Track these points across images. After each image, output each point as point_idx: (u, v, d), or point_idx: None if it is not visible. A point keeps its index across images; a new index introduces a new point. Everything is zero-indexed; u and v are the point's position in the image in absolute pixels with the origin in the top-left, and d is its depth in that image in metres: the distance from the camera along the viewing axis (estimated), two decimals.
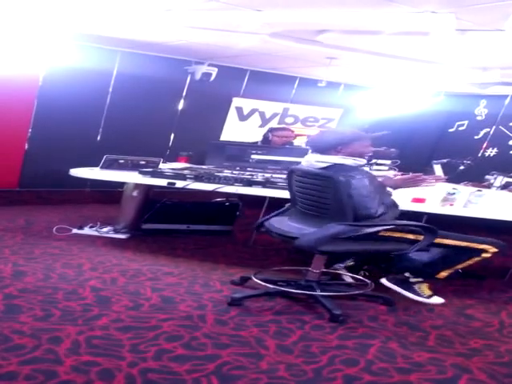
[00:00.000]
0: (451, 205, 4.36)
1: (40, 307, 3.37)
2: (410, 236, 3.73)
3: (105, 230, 5.47)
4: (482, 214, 4.30)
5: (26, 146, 6.85)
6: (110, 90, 7.06)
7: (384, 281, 4.09)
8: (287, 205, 4.11)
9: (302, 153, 6.06)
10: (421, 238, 3.68)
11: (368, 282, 4.24)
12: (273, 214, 4.11)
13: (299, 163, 4.02)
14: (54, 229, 5.42)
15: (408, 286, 4.03)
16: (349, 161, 3.64)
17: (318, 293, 3.77)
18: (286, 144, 6.71)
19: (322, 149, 3.72)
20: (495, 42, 4.59)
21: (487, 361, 3.03)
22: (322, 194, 3.62)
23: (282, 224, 3.87)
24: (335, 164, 3.63)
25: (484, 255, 3.88)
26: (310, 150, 3.94)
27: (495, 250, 3.87)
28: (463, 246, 3.86)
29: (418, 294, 4.00)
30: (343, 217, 3.54)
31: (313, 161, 3.73)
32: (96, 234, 5.41)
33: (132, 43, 6.18)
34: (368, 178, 3.60)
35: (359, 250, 3.81)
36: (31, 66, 6.10)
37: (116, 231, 5.48)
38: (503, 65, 5.86)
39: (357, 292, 3.98)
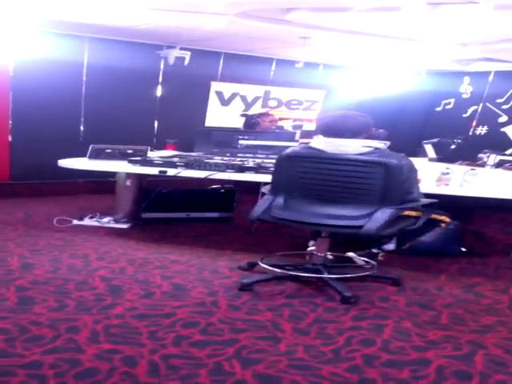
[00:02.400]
0: (446, 185, 4.39)
1: (53, 298, 3.37)
2: (413, 213, 3.79)
3: (105, 220, 5.46)
4: (479, 193, 4.34)
5: (10, 138, 6.81)
6: (84, 78, 7.05)
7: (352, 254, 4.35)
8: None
9: (290, 137, 6.10)
10: (420, 214, 3.79)
11: (374, 263, 4.29)
12: (265, 202, 3.81)
13: (289, 147, 3.95)
14: (55, 220, 5.40)
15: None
16: (381, 145, 3.62)
17: (327, 275, 3.80)
18: (273, 128, 6.75)
19: (350, 133, 3.61)
20: (471, 15, 4.54)
21: (501, 336, 3.07)
22: (364, 180, 3.48)
23: (301, 213, 3.67)
24: (376, 148, 3.51)
25: (442, 225, 3.95)
26: (319, 134, 3.86)
27: (448, 220, 3.93)
28: (432, 218, 3.94)
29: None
30: (389, 200, 3.50)
31: (342, 145, 3.53)
32: (97, 224, 5.40)
33: (99, 28, 6.16)
34: (410, 161, 3.62)
35: (395, 230, 3.80)
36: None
37: (116, 221, 5.47)
38: (483, 40, 5.86)
39: (365, 273, 4.01)
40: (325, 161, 3.55)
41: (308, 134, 6.26)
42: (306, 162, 3.62)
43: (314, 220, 3.64)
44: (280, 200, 3.73)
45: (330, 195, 3.59)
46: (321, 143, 3.62)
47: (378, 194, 3.49)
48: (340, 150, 3.52)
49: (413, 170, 3.60)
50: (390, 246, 4.54)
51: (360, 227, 3.49)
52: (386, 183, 3.46)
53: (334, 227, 3.66)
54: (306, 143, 3.92)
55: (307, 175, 3.63)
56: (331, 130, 3.69)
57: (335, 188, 3.56)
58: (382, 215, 3.48)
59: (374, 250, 4.48)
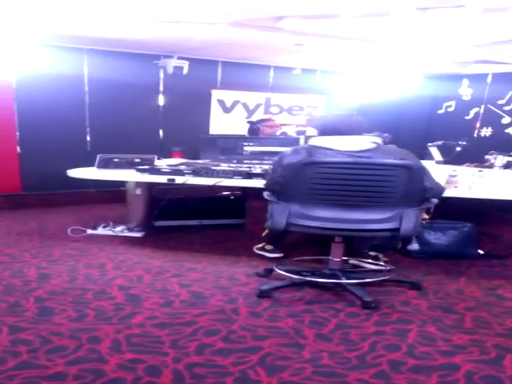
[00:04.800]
0: (455, 187, 4.36)
1: (72, 308, 3.35)
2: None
3: (119, 229, 5.44)
4: (489, 195, 4.31)
5: (19, 150, 6.81)
6: (87, 89, 7.06)
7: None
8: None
9: (293, 142, 6.08)
10: None
11: (391, 267, 4.26)
12: (283, 211, 3.62)
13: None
14: (69, 230, 5.38)
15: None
16: (379, 140, 3.62)
17: (345, 281, 3.77)
18: (275, 133, 6.75)
19: (354, 132, 3.60)
20: (460, 19, 4.49)
21: None
22: (388, 183, 3.44)
23: (328, 220, 3.56)
24: (378, 144, 3.55)
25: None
26: (316, 134, 3.80)
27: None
28: None
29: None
30: (412, 201, 3.51)
31: (351, 142, 3.52)
32: (111, 233, 5.38)
33: (97, 41, 6.19)
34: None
35: (419, 230, 3.77)
36: (2, 69, 6.13)
37: (130, 230, 5.45)
38: (475, 43, 5.83)
39: (384, 278, 3.98)
40: (348, 166, 3.46)
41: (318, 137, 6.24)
42: (327, 168, 3.48)
43: (344, 226, 3.56)
44: (296, 207, 3.59)
45: (352, 200, 3.52)
46: (330, 141, 3.55)
47: (401, 195, 3.47)
48: (350, 146, 3.50)
49: (426, 167, 3.62)
50: (415, 246, 4.52)
51: (397, 230, 3.48)
52: (409, 184, 3.44)
53: (367, 232, 3.61)
54: (307, 145, 3.78)
55: (327, 181, 3.49)
56: (335, 129, 3.63)
57: (358, 192, 3.49)
58: (410, 216, 3.48)
59: (372, 253, 4.49)
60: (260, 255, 4.70)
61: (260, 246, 4.78)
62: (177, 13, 4.57)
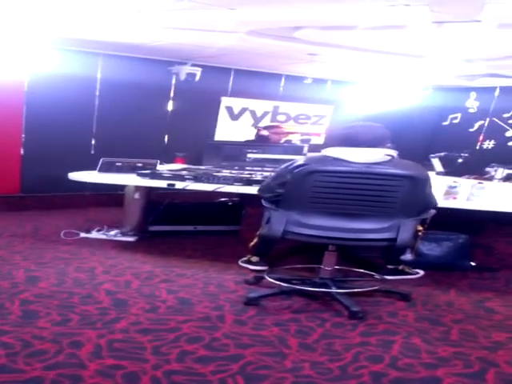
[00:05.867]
0: (454, 198, 4.35)
1: (57, 312, 3.33)
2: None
3: (112, 233, 5.43)
4: (487, 207, 4.28)
5: (22, 152, 6.83)
6: (97, 93, 7.10)
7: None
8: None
9: (298, 150, 6.07)
10: None
11: (382, 277, 4.23)
12: (280, 218, 3.60)
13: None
14: (62, 233, 5.38)
15: None
16: (394, 153, 3.57)
17: (334, 290, 3.74)
18: (282, 140, 6.73)
19: (373, 143, 3.53)
20: (474, 33, 4.54)
21: None
22: (389, 193, 3.44)
23: (325, 229, 3.54)
24: (393, 156, 3.50)
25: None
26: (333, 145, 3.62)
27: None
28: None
29: None
30: (411, 212, 3.52)
31: (367, 153, 3.46)
32: (104, 237, 5.37)
33: (112, 46, 6.22)
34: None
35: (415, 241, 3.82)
36: (15, 72, 6.16)
37: (123, 234, 5.45)
38: (487, 56, 5.87)
39: (373, 288, 3.95)
40: (350, 175, 3.42)
41: (316, 148, 6.21)
42: (328, 177, 3.46)
43: (340, 235, 3.55)
44: (294, 215, 3.56)
45: (352, 209, 3.50)
46: (347, 153, 3.46)
47: (401, 205, 3.47)
48: (367, 159, 3.44)
49: (429, 178, 3.62)
50: (408, 257, 4.50)
51: (394, 240, 3.49)
52: (412, 195, 3.46)
53: (364, 241, 3.62)
54: (321, 154, 3.66)
55: (329, 190, 3.47)
56: (353, 140, 3.53)
57: (358, 202, 3.47)
58: (408, 226, 3.50)
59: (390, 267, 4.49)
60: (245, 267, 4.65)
61: (245, 258, 4.72)
62: (195, 20, 4.58)
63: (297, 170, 3.50)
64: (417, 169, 3.55)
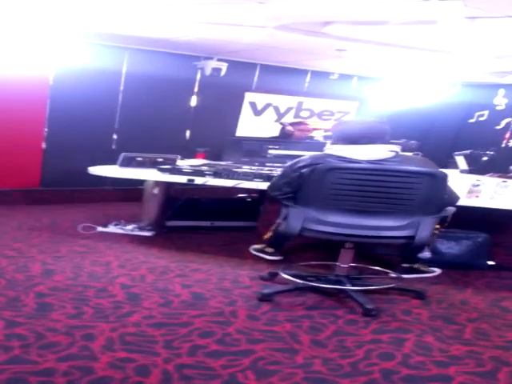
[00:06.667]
0: (477, 196, 4.30)
1: (71, 305, 3.36)
2: None
3: (129, 227, 5.46)
4: (509, 206, 4.23)
5: (44, 146, 6.88)
6: (122, 88, 7.11)
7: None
8: None
9: (320, 147, 6.04)
10: None
11: (399, 275, 4.21)
12: (298, 215, 3.57)
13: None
14: (79, 227, 5.42)
15: None
16: (398, 148, 3.57)
17: (349, 287, 3.73)
18: (306, 137, 6.69)
19: (382, 140, 3.53)
20: (507, 29, 4.49)
21: None
22: (409, 191, 3.41)
23: (343, 226, 3.51)
24: (397, 152, 3.51)
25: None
26: (340, 142, 3.66)
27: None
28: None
29: None
30: (431, 209, 3.50)
31: (372, 151, 3.47)
32: (121, 231, 5.40)
33: (140, 40, 6.21)
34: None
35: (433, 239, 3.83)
36: (41, 66, 6.15)
37: (141, 229, 5.47)
38: None
39: (388, 286, 3.93)
40: (366, 172, 3.41)
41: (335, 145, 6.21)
42: (350, 174, 3.42)
43: (358, 232, 3.52)
44: (312, 212, 3.53)
45: (370, 206, 3.46)
46: (348, 150, 3.48)
47: (420, 203, 3.45)
48: (370, 156, 3.45)
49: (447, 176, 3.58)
50: (426, 255, 4.46)
51: (412, 237, 3.48)
52: (431, 193, 3.44)
53: (382, 239, 3.60)
54: (323, 153, 3.67)
55: (349, 187, 3.43)
56: (359, 136, 3.54)
57: (377, 199, 3.43)
58: (427, 224, 3.48)
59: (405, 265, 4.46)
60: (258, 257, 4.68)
61: (258, 246, 4.74)
62: (225, 15, 4.58)
63: (305, 170, 3.49)
64: (427, 165, 3.53)
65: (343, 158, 3.47)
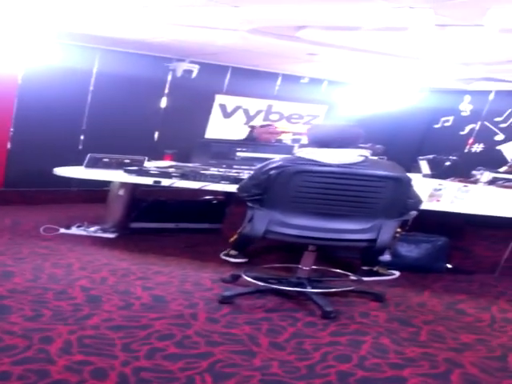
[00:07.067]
0: (438, 201, 4.38)
1: (30, 307, 3.34)
2: None
3: (92, 229, 5.43)
4: (469, 210, 4.31)
5: (9, 146, 6.81)
6: (91, 88, 7.07)
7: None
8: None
9: (288, 150, 6.08)
10: None
11: (359, 278, 4.26)
12: (263, 217, 3.59)
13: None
14: (42, 228, 5.37)
15: None
16: (368, 153, 3.60)
17: (309, 290, 3.77)
18: (274, 140, 6.72)
19: (353, 144, 3.56)
20: (475, 37, 4.58)
21: (479, 355, 3.05)
22: (373, 194, 3.45)
23: (306, 228, 3.55)
24: (366, 157, 3.54)
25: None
26: (313, 145, 3.65)
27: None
28: None
29: None
30: (392, 213, 3.56)
31: (342, 155, 3.48)
32: (84, 233, 5.37)
33: (112, 41, 6.19)
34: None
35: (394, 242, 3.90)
36: (10, 65, 6.10)
37: (104, 230, 5.44)
38: (486, 61, 5.91)
39: (348, 288, 3.98)
40: (335, 176, 3.43)
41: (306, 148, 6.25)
42: (317, 177, 3.44)
43: (321, 235, 3.56)
44: (277, 215, 3.56)
45: (335, 209, 3.50)
46: (319, 154, 3.50)
47: (384, 207, 3.50)
48: (340, 160, 3.47)
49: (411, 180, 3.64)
50: (387, 258, 4.52)
51: (374, 240, 3.54)
52: (395, 196, 3.49)
53: (344, 241, 3.64)
54: (295, 155, 3.70)
55: (315, 190, 3.46)
56: (332, 140, 3.56)
57: (342, 202, 3.48)
58: (388, 227, 3.54)
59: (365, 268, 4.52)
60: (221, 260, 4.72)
61: (225, 252, 4.78)
62: (200, 17, 4.59)
63: (271, 173, 3.50)
64: (396, 169, 3.58)
65: (314, 161, 3.49)
